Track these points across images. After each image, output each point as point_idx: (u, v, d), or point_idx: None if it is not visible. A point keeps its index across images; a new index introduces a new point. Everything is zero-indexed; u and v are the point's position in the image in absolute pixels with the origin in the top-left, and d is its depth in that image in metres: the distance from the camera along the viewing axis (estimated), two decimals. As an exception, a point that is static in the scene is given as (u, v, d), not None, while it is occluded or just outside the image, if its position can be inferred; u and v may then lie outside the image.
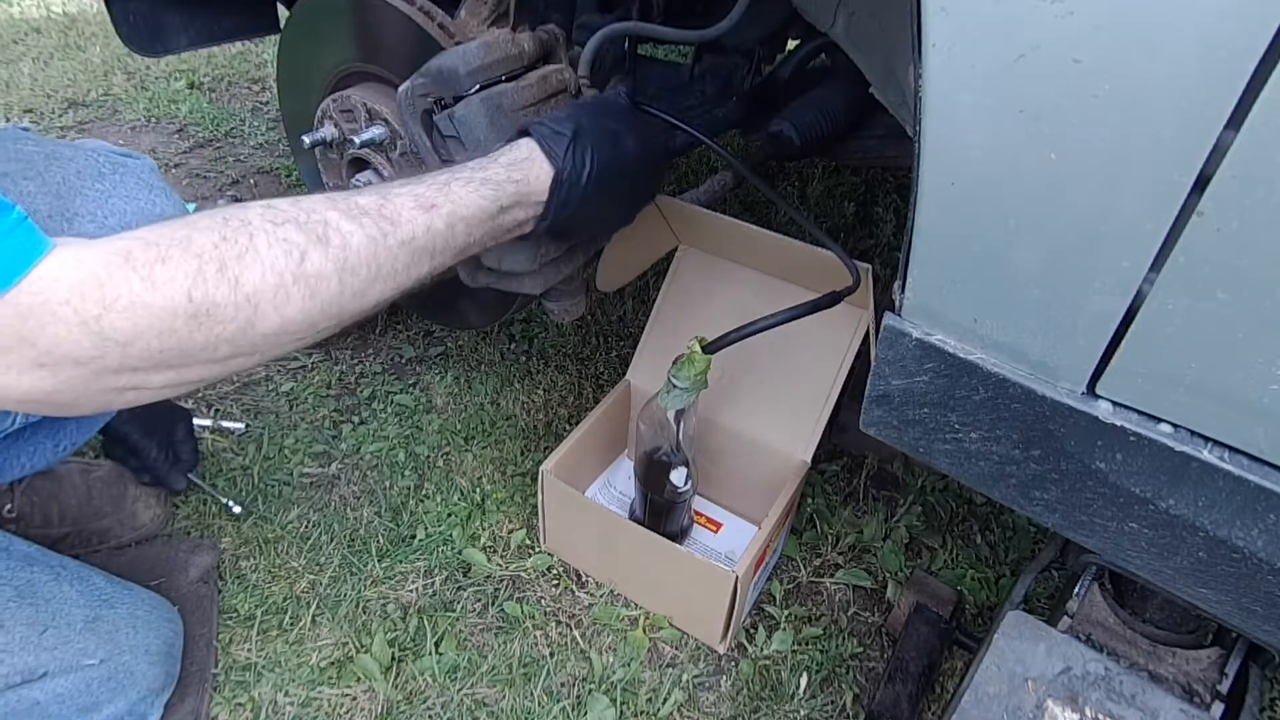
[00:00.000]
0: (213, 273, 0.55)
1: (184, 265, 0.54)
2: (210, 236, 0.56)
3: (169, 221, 0.57)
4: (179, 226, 0.56)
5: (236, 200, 1.71)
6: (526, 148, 0.75)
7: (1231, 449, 0.51)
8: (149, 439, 1.03)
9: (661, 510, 1.04)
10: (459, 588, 1.06)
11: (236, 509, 1.12)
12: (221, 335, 0.56)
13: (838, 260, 0.90)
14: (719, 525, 1.14)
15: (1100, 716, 0.66)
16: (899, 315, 0.61)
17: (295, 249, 0.58)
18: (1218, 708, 0.70)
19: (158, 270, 0.54)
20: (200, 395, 1.30)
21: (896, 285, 0.61)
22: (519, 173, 0.73)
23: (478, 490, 1.18)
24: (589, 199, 0.76)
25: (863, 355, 1.04)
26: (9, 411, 0.73)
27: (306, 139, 1.06)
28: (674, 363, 0.90)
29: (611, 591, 1.06)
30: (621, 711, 0.94)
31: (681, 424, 0.96)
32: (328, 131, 1.06)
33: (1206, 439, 0.51)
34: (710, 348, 0.88)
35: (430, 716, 0.93)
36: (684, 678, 0.98)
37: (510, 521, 1.14)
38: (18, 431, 0.78)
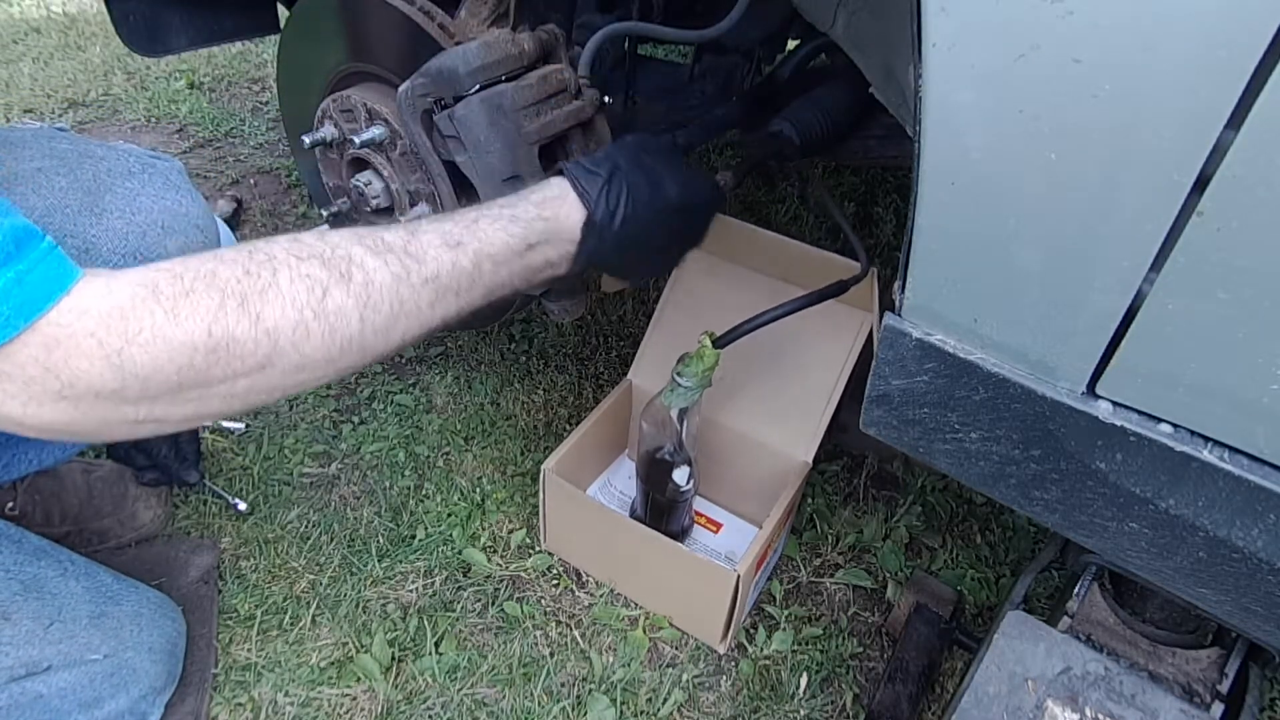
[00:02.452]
0: (234, 307, 0.55)
1: (207, 300, 0.54)
2: (235, 270, 0.56)
3: (197, 254, 0.57)
4: (206, 259, 0.56)
5: (237, 200, 1.72)
6: (558, 186, 0.73)
7: (1231, 449, 0.51)
8: (159, 436, 1.03)
9: (663, 509, 1.04)
10: (459, 588, 1.06)
11: (242, 506, 1.12)
12: (239, 370, 0.56)
13: (839, 260, 0.90)
14: (719, 525, 1.14)
15: (1100, 716, 0.66)
16: (899, 315, 0.61)
17: (318, 285, 0.57)
18: (1218, 708, 0.70)
19: (181, 304, 0.54)
20: (200, 395, 1.30)
21: (896, 285, 0.61)
22: (549, 210, 0.71)
23: (478, 490, 1.18)
24: (623, 243, 0.73)
25: (864, 356, 1.04)
26: None
27: (306, 139, 1.06)
28: (679, 361, 0.90)
29: (611, 591, 1.06)
30: (621, 711, 0.94)
31: (685, 423, 0.96)
32: (328, 131, 1.06)
33: (1206, 439, 0.51)
34: (720, 342, 0.88)
35: (430, 716, 0.93)
36: (684, 678, 0.98)
37: (510, 521, 1.14)
38: None
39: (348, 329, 0.59)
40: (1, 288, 0.50)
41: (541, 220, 0.69)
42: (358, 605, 1.03)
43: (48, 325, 0.51)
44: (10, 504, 1.01)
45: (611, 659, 0.99)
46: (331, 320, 0.58)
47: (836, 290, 0.85)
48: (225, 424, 1.24)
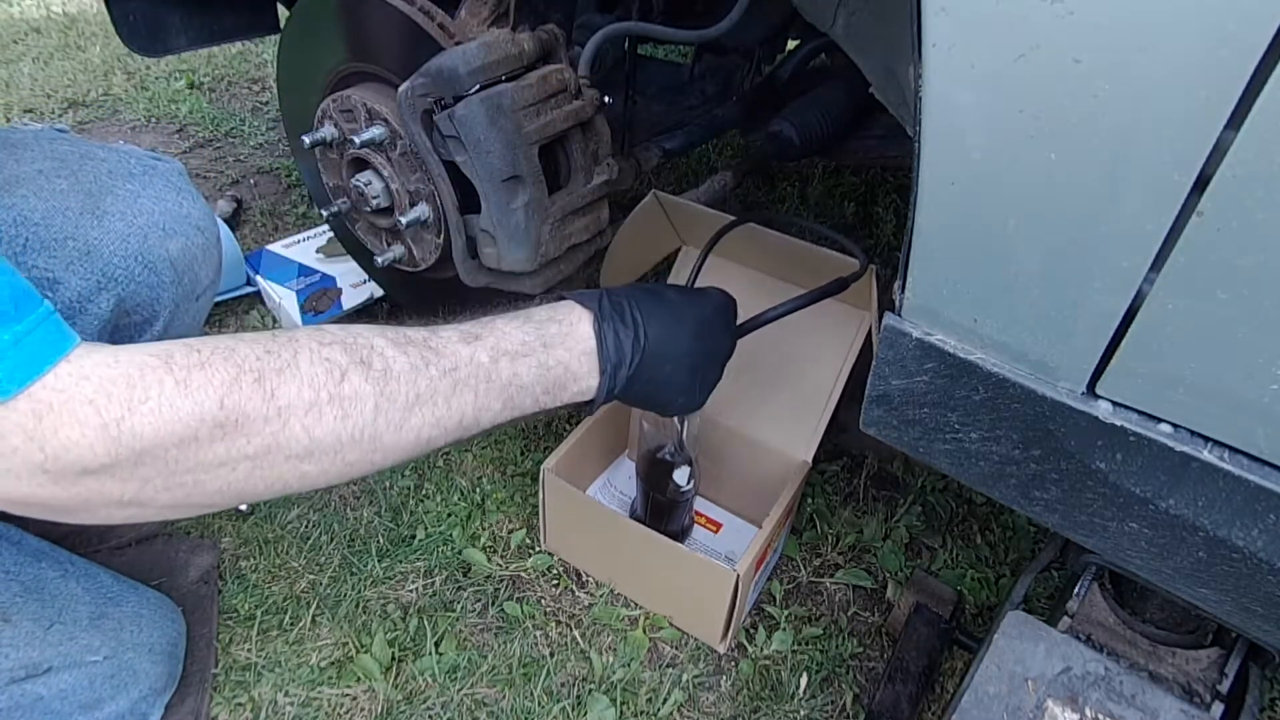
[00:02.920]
0: (249, 382, 0.53)
1: (223, 373, 0.53)
2: (255, 349, 0.55)
3: (219, 336, 0.56)
4: (226, 338, 0.55)
5: (237, 200, 1.72)
6: (564, 303, 0.73)
7: (1231, 449, 0.51)
8: None
9: (664, 510, 1.04)
10: (459, 588, 1.06)
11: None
12: (244, 450, 0.54)
13: (840, 258, 0.90)
14: (719, 525, 1.14)
15: (1100, 716, 0.66)
16: (899, 315, 0.61)
17: (336, 368, 0.57)
18: (1218, 708, 0.70)
19: (194, 375, 0.52)
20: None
21: (896, 285, 0.61)
22: (559, 314, 0.71)
23: (478, 490, 1.18)
24: (644, 349, 0.72)
25: (863, 355, 1.04)
26: None
27: (306, 139, 1.06)
28: None
29: (611, 591, 1.06)
30: (621, 711, 0.94)
31: (686, 423, 0.96)
32: (328, 131, 1.06)
33: (1206, 439, 0.51)
34: None
35: (430, 716, 0.93)
36: (684, 678, 0.98)
37: (510, 521, 1.14)
38: None
39: (362, 415, 0.57)
40: None
41: (554, 322, 0.70)
42: (358, 605, 1.03)
43: (41, 390, 0.48)
44: (10, 504, 1.01)
45: (611, 659, 0.99)
46: (346, 405, 0.56)
47: (837, 288, 0.85)
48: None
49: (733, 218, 0.99)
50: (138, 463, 0.51)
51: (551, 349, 0.69)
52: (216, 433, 0.52)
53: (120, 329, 0.81)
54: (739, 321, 0.85)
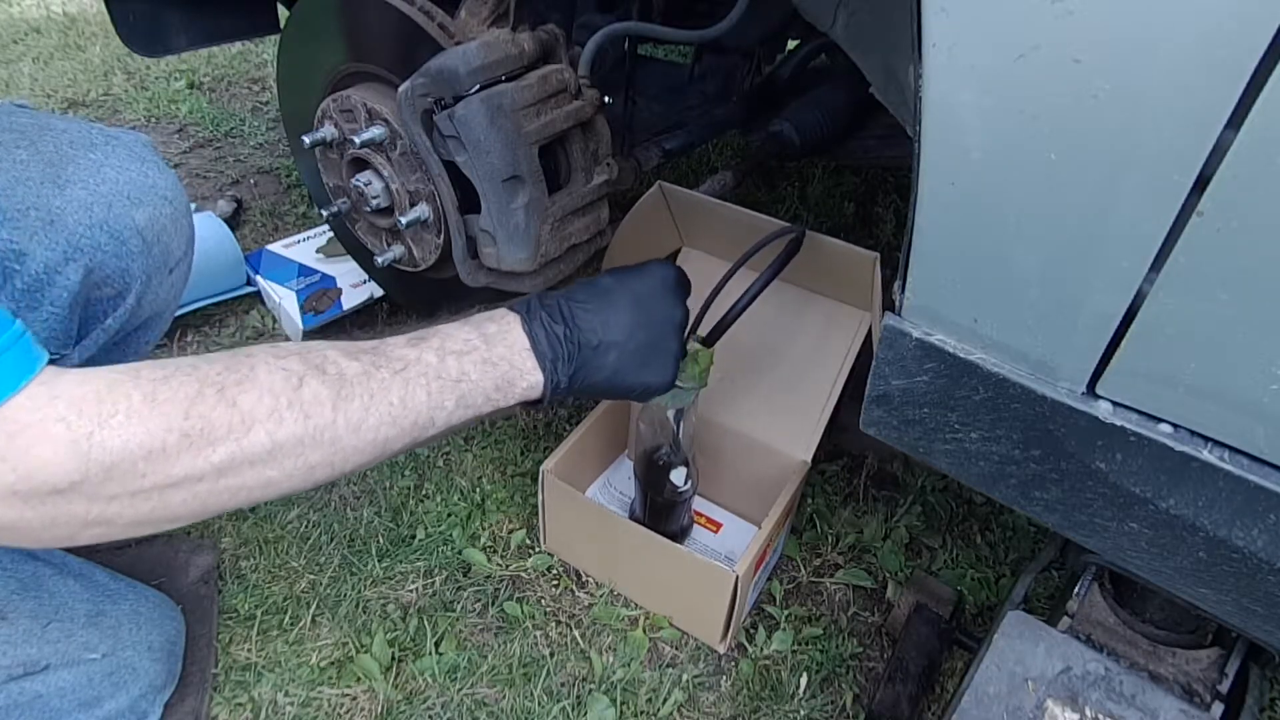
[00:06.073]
0: (212, 394, 0.56)
1: (187, 386, 0.55)
2: (215, 366, 0.58)
3: (183, 357, 0.59)
4: (189, 359, 0.58)
5: (237, 200, 1.72)
6: (499, 309, 0.75)
7: (1231, 449, 0.51)
8: None
9: (662, 510, 1.04)
10: (459, 588, 1.06)
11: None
12: (210, 460, 0.56)
13: (842, 253, 0.90)
14: (719, 525, 1.14)
15: (1100, 716, 0.66)
16: (899, 315, 0.61)
17: (293, 375, 0.59)
18: (1218, 708, 0.70)
19: (160, 389, 0.54)
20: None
21: (896, 285, 0.61)
22: (495, 315, 0.74)
23: (478, 490, 1.18)
24: (579, 328, 0.73)
25: (863, 355, 1.04)
26: None
27: (306, 139, 1.06)
28: None
29: (611, 591, 1.06)
30: (621, 711, 0.94)
31: (681, 423, 0.96)
32: (328, 131, 1.06)
33: (1206, 439, 0.51)
34: (709, 339, 0.87)
35: (430, 716, 0.93)
36: (684, 678, 0.98)
37: (510, 521, 1.14)
38: None
39: (321, 416, 0.59)
40: None
41: (491, 321, 0.72)
42: (358, 605, 1.03)
43: (14, 410, 0.49)
44: (9, 504, 1.01)
45: (611, 659, 0.99)
46: (306, 407, 0.59)
47: (794, 248, 0.86)
48: None
49: (734, 206, 0.99)
50: (106, 478, 0.52)
51: (493, 345, 0.71)
52: (183, 443, 0.54)
53: (92, 303, 0.78)
54: (721, 317, 0.85)
